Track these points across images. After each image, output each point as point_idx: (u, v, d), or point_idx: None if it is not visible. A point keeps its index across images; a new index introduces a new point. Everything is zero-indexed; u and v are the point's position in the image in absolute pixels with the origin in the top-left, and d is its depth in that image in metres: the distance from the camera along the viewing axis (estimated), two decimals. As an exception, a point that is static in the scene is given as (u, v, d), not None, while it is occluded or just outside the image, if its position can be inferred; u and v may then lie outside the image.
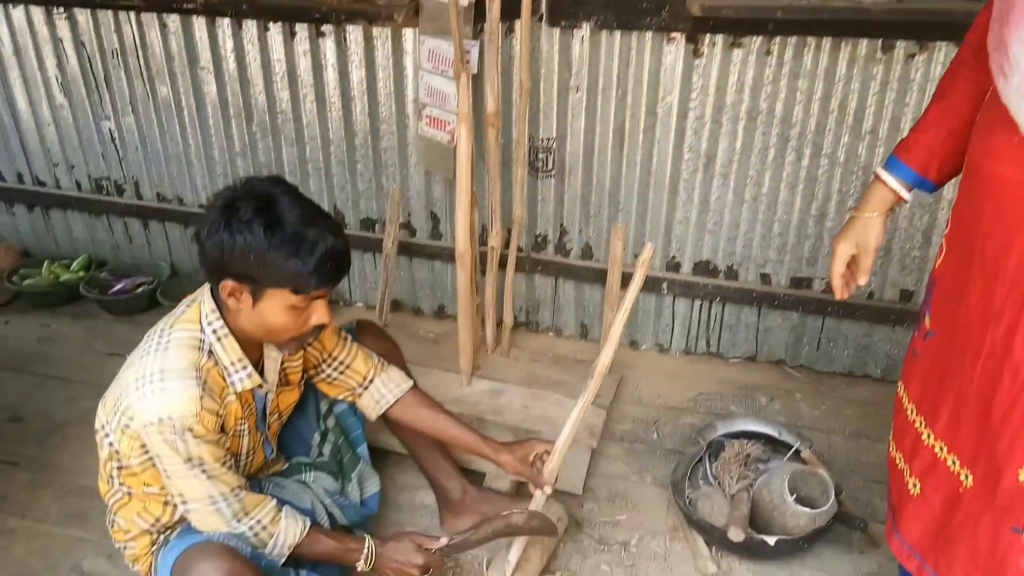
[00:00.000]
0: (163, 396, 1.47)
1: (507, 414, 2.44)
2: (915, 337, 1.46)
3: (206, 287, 1.61)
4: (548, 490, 1.79)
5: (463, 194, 2.22)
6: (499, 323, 2.73)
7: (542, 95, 2.52)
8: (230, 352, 1.58)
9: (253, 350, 1.65)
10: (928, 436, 1.37)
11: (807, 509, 1.83)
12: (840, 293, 1.54)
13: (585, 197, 2.67)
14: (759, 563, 1.98)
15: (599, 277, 2.75)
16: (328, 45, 2.64)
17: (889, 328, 2.59)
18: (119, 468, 1.63)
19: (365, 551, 1.71)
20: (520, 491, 2.18)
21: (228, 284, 1.49)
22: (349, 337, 1.91)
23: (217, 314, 1.57)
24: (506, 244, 2.65)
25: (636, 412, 2.56)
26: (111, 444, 1.59)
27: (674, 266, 2.70)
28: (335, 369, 1.88)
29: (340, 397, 1.93)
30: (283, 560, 1.64)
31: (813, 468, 1.92)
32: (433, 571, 1.75)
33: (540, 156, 2.63)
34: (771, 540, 1.86)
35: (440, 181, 2.77)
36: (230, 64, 2.77)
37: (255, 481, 1.84)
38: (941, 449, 1.34)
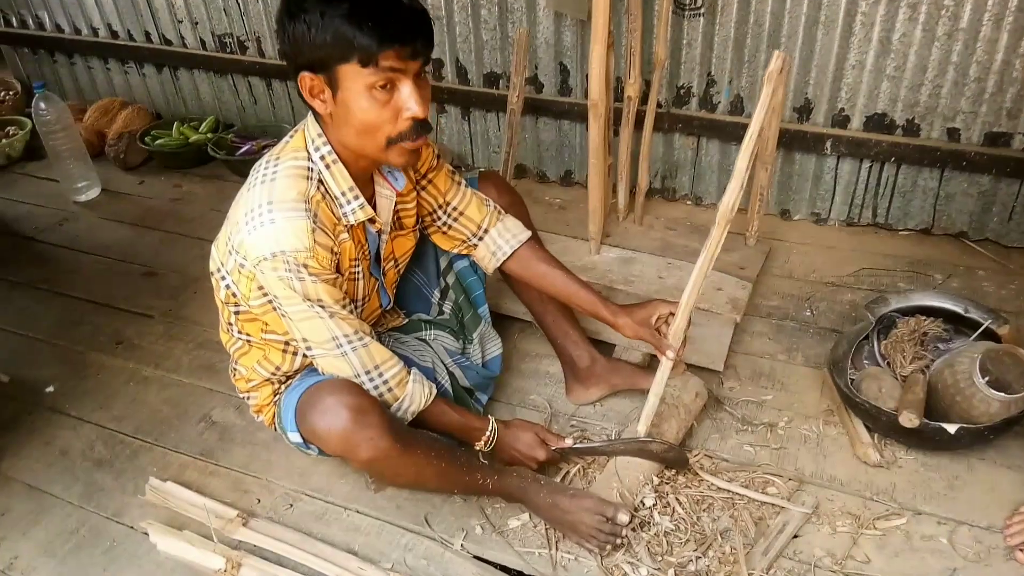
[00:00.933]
0: (273, 228, 1.36)
1: (639, 284, 2.23)
2: None
3: (310, 115, 1.46)
4: (672, 355, 1.60)
5: (599, 32, 1.93)
6: (632, 188, 2.49)
7: (693, -86, 2.16)
8: (340, 181, 1.44)
9: (365, 185, 1.51)
10: None
11: (1000, 394, 1.54)
12: None
13: (739, 39, 2.31)
14: (930, 454, 1.72)
15: (750, 135, 2.41)
16: None
17: (1111, 195, 2.15)
18: (236, 313, 1.57)
19: (488, 433, 1.63)
20: (653, 363, 2.00)
21: (305, 77, 1.33)
22: (464, 182, 1.74)
23: (324, 138, 1.43)
24: (644, 96, 2.36)
25: (787, 287, 2.28)
26: (227, 287, 1.52)
27: (841, 120, 2.32)
28: (449, 216, 1.73)
29: (456, 250, 1.78)
30: (406, 423, 1.56)
31: (1010, 348, 1.61)
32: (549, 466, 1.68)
33: (687, -9, 2.28)
34: (951, 428, 1.59)
35: (571, 25, 2.48)
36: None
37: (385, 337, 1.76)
38: None
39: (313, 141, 1.44)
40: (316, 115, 1.43)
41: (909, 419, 1.60)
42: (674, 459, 1.68)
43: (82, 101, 3.56)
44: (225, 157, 2.99)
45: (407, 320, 1.86)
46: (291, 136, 1.49)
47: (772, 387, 1.95)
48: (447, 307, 1.87)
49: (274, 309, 1.46)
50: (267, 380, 1.65)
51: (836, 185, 2.45)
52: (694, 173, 2.63)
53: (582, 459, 1.74)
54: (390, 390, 1.52)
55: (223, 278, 1.52)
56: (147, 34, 3.27)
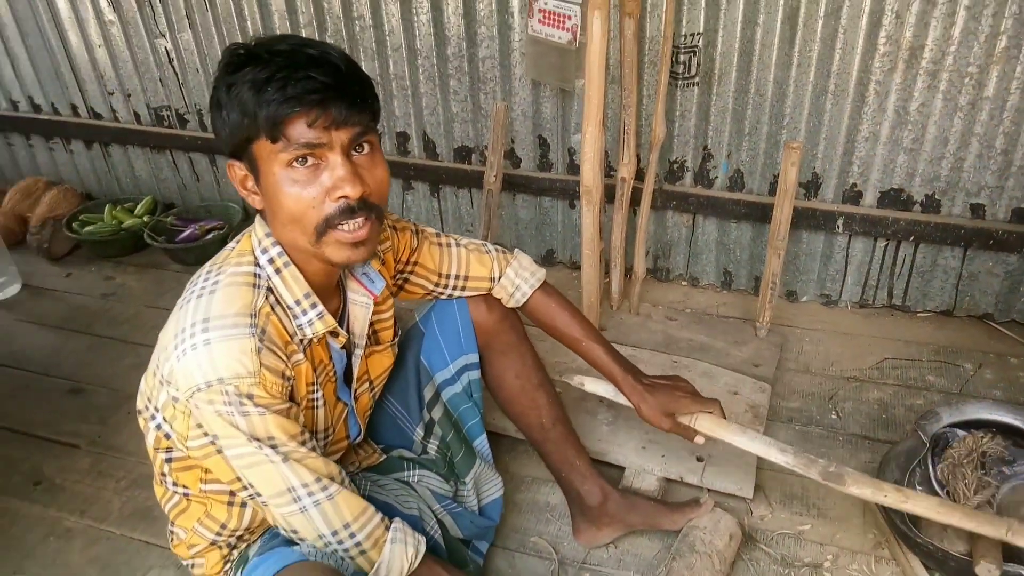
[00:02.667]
0: (207, 352, 1.07)
1: (645, 387, 1.96)
2: None
3: (258, 214, 1.21)
4: (701, 440, 1.39)
5: (593, 108, 1.69)
6: (627, 272, 2.24)
7: (686, -23, 1.95)
8: (293, 287, 1.17)
9: (331, 294, 1.26)
10: None
11: (1097, 541, 1.30)
12: None
13: (737, 110, 2.10)
14: (1003, 598, 1.48)
15: (751, 213, 2.20)
16: (412, -72, 2.12)
17: None
18: (168, 460, 1.25)
19: None
20: (670, 491, 1.73)
21: (233, 167, 1.15)
22: (453, 243, 1.49)
23: (272, 239, 1.17)
24: (637, 174, 2.12)
25: (806, 384, 2.04)
26: (158, 427, 1.20)
27: (853, 197, 2.12)
28: (455, 287, 1.50)
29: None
30: None
31: (1100, 482, 1.38)
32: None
33: (681, 59, 2.06)
34: (1037, 578, 1.35)
35: (551, 96, 2.24)
36: (296, -41, 2.29)
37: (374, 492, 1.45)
38: None
39: (260, 242, 1.17)
40: (261, 214, 1.19)
41: (988, 570, 1.35)
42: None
43: (1, 182, 3.19)
44: (164, 244, 2.67)
45: (384, 457, 1.56)
46: (236, 241, 1.21)
47: (808, 513, 1.69)
48: (432, 447, 1.57)
49: (219, 452, 1.15)
50: (212, 544, 1.33)
51: (847, 265, 2.23)
52: (689, 252, 2.40)
53: None
54: (363, 553, 1.19)
55: (152, 417, 1.20)
56: (73, 107, 2.94)
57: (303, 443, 1.15)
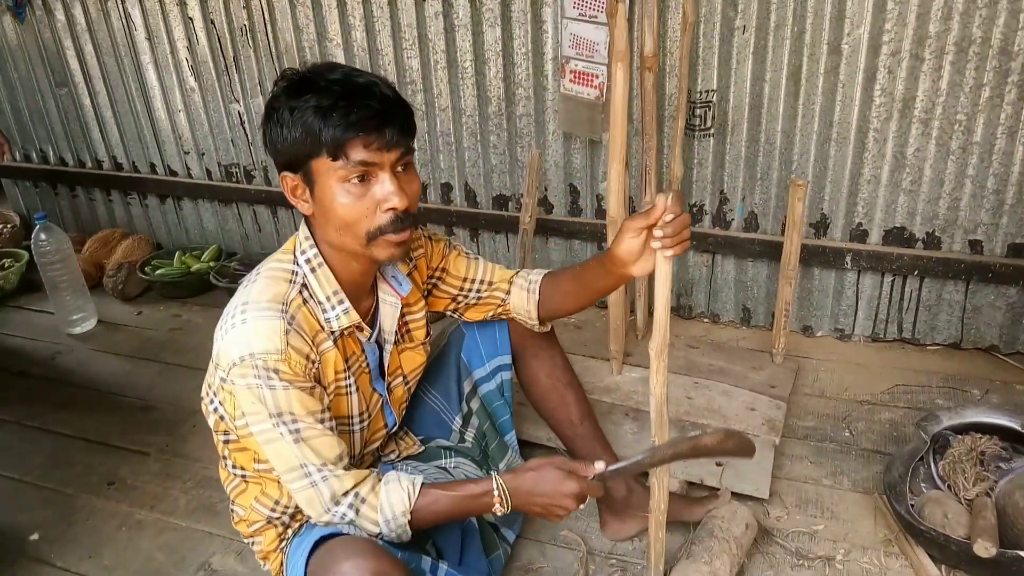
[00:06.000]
0: (244, 329, 1.25)
1: (668, 404, 2.11)
2: None
3: (303, 220, 1.40)
4: (669, 231, 1.25)
5: (617, 150, 1.92)
6: (651, 306, 2.42)
7: (701, 39, 2.21)
8: (325, 284, 1.35)
9: (361, 294, 1.43)
10: None
11: (1085, 521, 1.42)
12: None
13: (750, 158, 2.32)
14: (1004, 586, 1.57)
15: (765, 251, 2.39)
16: (461, 4, 2.43)
17: None
18: (227, 442, 1.43)
19: (496, 492, 1.34)
20: (691, 494, 1.86)
21: (285, 177, 1.31)
22: (479, 256, 1.66)
23: (311, 241, 1.36)
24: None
25: (820, 406, 2.18)
26: (215, 410, 1.40)
27: (859, 235, 2.30)
28: (478, 291, 1.63)
29: (491, 316, 1.66)
30: (408, 537, 1.35)
31: (1087, 469, 1.50)
32: (589, 498, 1.38)
33: (698, 112, 2.31)
34: (1032, 558, 1.45)
35: (581, 148, 2.50)
36: (358, 34, 2.62)
37: (386, 466, 1.61)
38: None
39: (300, 244, 1.37)
40: (306, 219, 1.38)
41: (985, 548, 1.46)
42: (737, 447, 1.32)
43: (82, 233, 3.52)
44: (227, 285, 2.92)
45: (424, 448, 1.72)
46: (284, 246, 1.42)
47: (822, 515, 1.81)
48: (470, 435, 1.74)
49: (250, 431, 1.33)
50: (269, 522, 1.49)
51: (858, 300, 2.40)
52: (710, 290, 2.58)
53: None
54: (363, 501, 1.31)
55: (211, 401, 1.40)
56: (152, 165, 3.28)
57: (321, 421, 1.31)
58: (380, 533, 1.32)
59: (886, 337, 2.42)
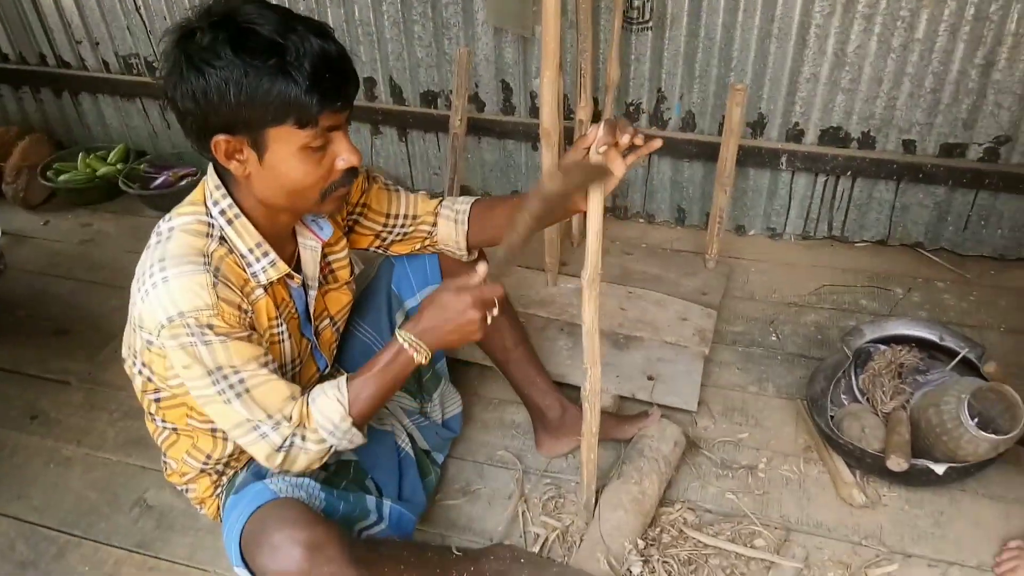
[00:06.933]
0: (167, 288, 1.17)
1: (601, 317, 2.08)
2: None
3: (210, 167, 1.28)
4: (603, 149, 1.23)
5: (550, 56, 1.79)
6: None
7: (639, -76, 2.04)
8: (245, 237, 1.27)
9: (282, 240, 1.35)
10: None
11: (990, 435, 1.50)
12: None
13: (689, 54, 2.21)
14: (914, 489, 1.68)
15: (702, 152, 2.34)
16: None
17: (1062, 202, 2.15)
18: (156, 400, 1.37)
19: (406, 345, 1.30)
20: (623, 407, 1.90)
21: (220, 141, 1.16)
22: (399, 188, 1.57)
23: (223, 191, 1.25)
24: (595, 116, 2.24)
25: (750, 310, 2.22)
26: (140, 372, 1.33)
27: (796, 135, 2.26)
28: (403, 225, 1.55)
29: (420, 249, 1.60)
30: (361, 439, 1.32)
31: (996, 386, 1.56)
32: (496, 302, 1.32)
33: (635, 4, 2.16)
34: (939, 469, 1.55)
35: (513, 41, 2.34)
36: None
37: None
38: None
39: (211, 195, 1.26)
40: (218, 168, 1.26)
41: (898, 463, 1.54)
42: (588, 175, 1.21)
43: (-29, 130, 3.22)
44: (139, 191, 2.74)
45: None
46: (192, 195, 1.31)
47: (747, 423, 1.88)
48: (403, 367, 1.72)
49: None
50: (201, 471, 1.47)
51: (791, 200, 2.39)
52: (646, 191, 2.54)
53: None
54: (303, 431, 1.27)
55: (134, 364, 1.33)
56: (42, 56, 2.96)
57: (264, 365, 1.25)
58: (333, 447, 1.30)
59: (816, 236, 2.45)
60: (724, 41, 2.16)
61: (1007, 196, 2.19)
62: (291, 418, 1.27)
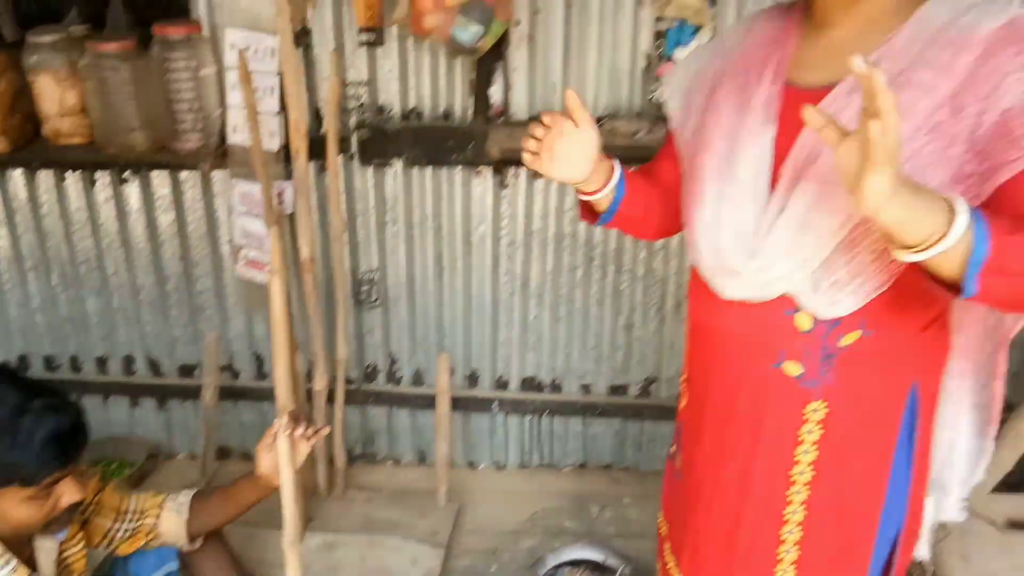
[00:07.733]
0: None
1: (342, 571, 2.35)
2: (668, 473, 1.48)
3: None
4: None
5: (281, 359, 2.07)
6: (331, 462, 2.68)
7: (360, 229, 2.58)
8: None
9: (21, 545, 1.52)
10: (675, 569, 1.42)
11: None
12: None
13: (411, 325, 2.72)
14: None
15: (432, 402, 2.77)
16: (132, 191, 2.57)
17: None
18: None
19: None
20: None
21: None
22: (131, 491, 1.82)
23: None
24: (332, 383, 2.62)
25: (475, 543, 2.54)
26: None
27: (503, 384, 2.79)
28: (131, 521, 1.76)
29: (143, 545, 1.79)
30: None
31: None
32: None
33: (364, 288, 2.66)
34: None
35: (263, 320, 2.72)
36: (24, 215, 2.62)
37: None
38: None
39: None
40: None
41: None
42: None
43: None
44: None
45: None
46: None
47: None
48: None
49: None
50: None
51: (508, 436, 2.87)
52: (390, 437, 2.91)
53: None
54: None
55: None
56: None
57: None
58: None
59: (532, 464, 2.92)
60: (437, 315, 2.69)
61: (663, 422, 2.81)
62: None
